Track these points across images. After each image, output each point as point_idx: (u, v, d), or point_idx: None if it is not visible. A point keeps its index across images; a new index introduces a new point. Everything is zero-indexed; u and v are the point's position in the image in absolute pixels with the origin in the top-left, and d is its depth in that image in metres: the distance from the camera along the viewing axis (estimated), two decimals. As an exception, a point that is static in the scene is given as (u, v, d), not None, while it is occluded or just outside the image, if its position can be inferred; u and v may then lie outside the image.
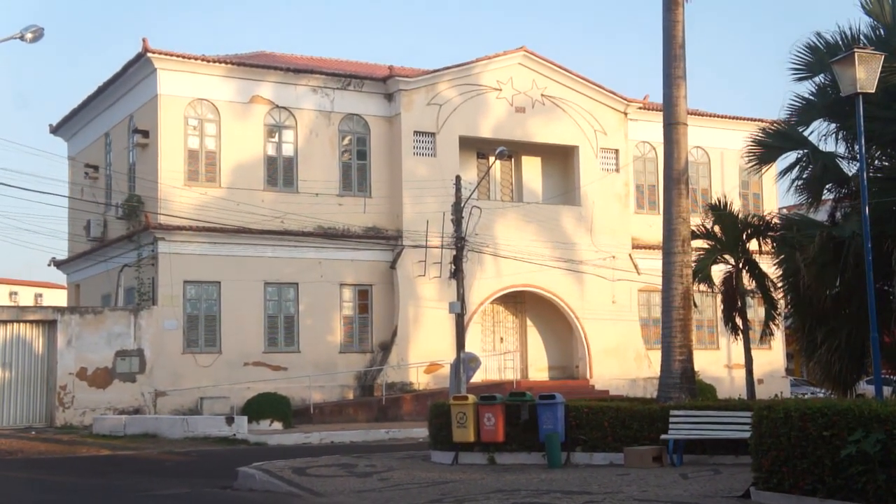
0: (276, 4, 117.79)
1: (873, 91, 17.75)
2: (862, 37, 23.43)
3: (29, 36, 23.70)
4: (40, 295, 66.00)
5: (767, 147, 26.14)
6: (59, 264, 45.16)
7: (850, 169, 23.58)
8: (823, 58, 23.06)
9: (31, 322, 34.90)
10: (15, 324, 34.47)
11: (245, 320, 36.57)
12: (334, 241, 38.14)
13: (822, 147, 25.11)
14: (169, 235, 35.49)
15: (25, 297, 67.36)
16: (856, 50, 17.98)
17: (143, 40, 36.09)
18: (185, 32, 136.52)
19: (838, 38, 23.62)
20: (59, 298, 52.63)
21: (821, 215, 25.44)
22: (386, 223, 39.00)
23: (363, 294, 38.98)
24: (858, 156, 19.79)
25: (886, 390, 20.46)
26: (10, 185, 32.21)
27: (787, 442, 13.42)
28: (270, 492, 18.19)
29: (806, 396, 28.81)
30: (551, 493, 15.15)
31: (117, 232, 38.58)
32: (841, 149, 24.67)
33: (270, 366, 36.52)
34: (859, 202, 18.23)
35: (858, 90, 17.35)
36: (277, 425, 32.82)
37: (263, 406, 33.57)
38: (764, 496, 13.68)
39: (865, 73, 17.33)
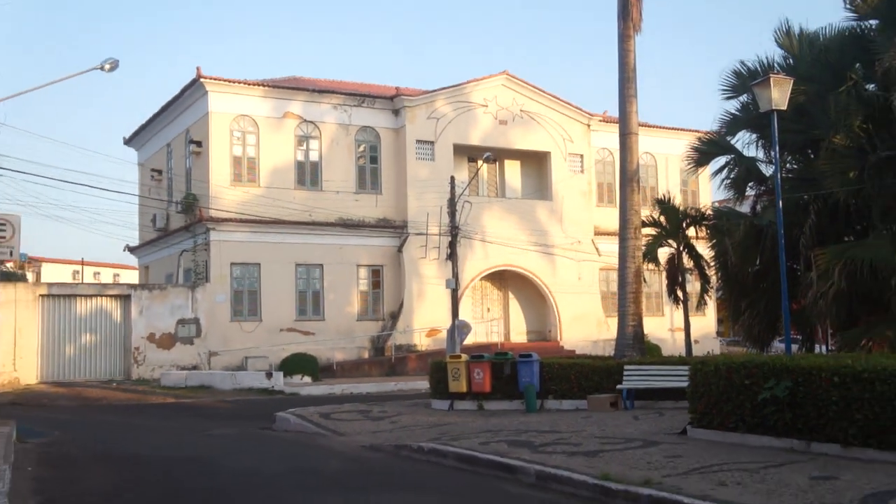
0: (304, 36, 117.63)
1: (785, 108, 17.97)
2: (776, 64, 23.59)
3: (107, 66, 23.76)
4: (118, 275, 66.00)
5: (702, 153, 26.33)
6: (132, 250, 45.17)
7: (767, 171, 23.71)
8: (746, 81, 23.23)
9: (111, 296, 35.44)
10: (98, 297, 35.02)
11: (280, 294, 36.67)
12: (352, 230, 38.21)
13: (745, 153, 25.30)
14: (218, 226, 35.59)
15: (105, 276, 67.44)
16: (771, 75, 18.18)
17: (197, 68, 36.16)
18: (230, 58, 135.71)
19: (757, 66, 23.78)
20: (132, 277, 52.65)
21: (744, 208, 25.62)
22: (394, 215, 39.04)
23: (376, 273, 39.03)
24: (773, 160, 19.97)
25: (794, 347, 20.68)
26: (92, 187, 32.72)
27: (716, 389, 13.66)
28: (302, 432, 18.37)
29: (732, 352, 29.12)
30: (529, 433, 15.24)
31: (177, 224, 38.67)
32: (760, 154, 24.88)
33: (301, 331, 36.64)
34: (774, 197, 18.44)
35: (773, 108, 17.56)
36: (307, 379, 33.02)
37: (296, 364, 33.79)
38: (698, 433, 13.90)
39: (779, 94, 17.54)
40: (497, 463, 12.07)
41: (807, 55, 23.45)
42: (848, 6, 23.54)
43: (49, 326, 33.06)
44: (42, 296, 33.44)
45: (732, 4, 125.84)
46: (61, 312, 33.49)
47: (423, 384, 26.72)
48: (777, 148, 18.83)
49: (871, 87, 22.18)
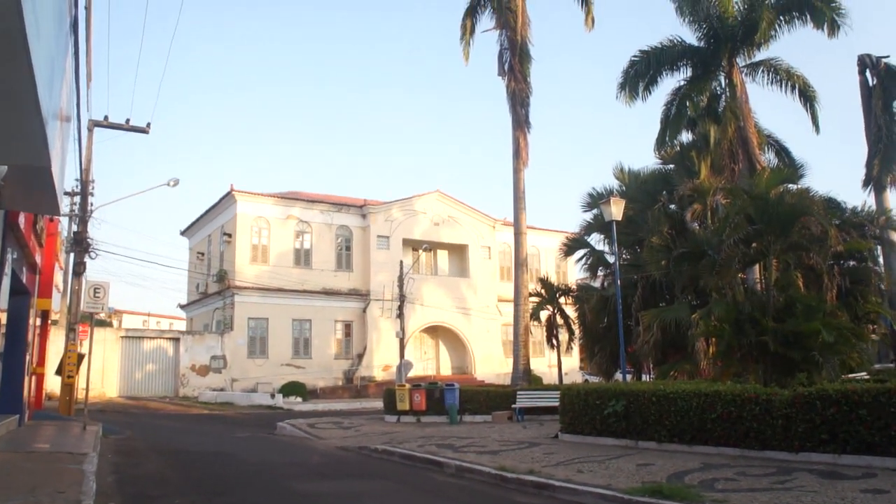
0: (302, 156, 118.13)
1: (620, 219, 18.49)
2: (614, 190, 24.39)
3: (171, 183, 23.79)
4: (172, 323, 65.26)
5: (569, 247, 26.92)
6: (182, 307, 44.33)
7: (610, 259, 24.24)
8: (596, 200, 23.97)
9: (167, 338, 35.81)
10: (158, 339, 35.64)
11: (281, 340, 36.25)
12: (332, 296, 38.04)
13: (597, 248, 25.93)
14: (240, 292, 35.25)
15: (164, 324, 66.92)
16: (611, 198, 18.73)
17: (231, 185, 36.42)
18: (249, 173, 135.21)
19: (603, 191, 24.56)
20: (181, 326, 52.03)
21: (597, 284, 26.12)
22: (361, 286, 38.95)
23: (348, 326, 38.76)
24: (614, 253, 20.52)
25: (629, 377, 20.97)
26: (159, 263, 33.27)
27: (577, 407, 13.86)
28: (295, 436, 18.10)
29: (589, 381, 29.42)
30: (451, 438, 15.21)
31: (213, 290, 38.13)
32: (606, 249, 25.47)
33: (295, 366, 36.15)
34: (615, 277, 18.89)
35: (613, 219, 18.09)
36: (299, 399, 32.53)
37: (291, 388, 33.34)
38: (566, 437, 14.03)
39: (616, 210, 18.06)
40: (429, 460, 12.06)
41: (633, 184, 24.34)
42: (657, 155, 24.60)
43: (125, 358, 33.33)
44: (122, 337, 34.11)
45: (591, 152, 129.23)
46: (134, 348, 33.79)
47: (379, 404, 26.48)
48: (616, 245, 19.39)
49: (672, 206, 23.02)
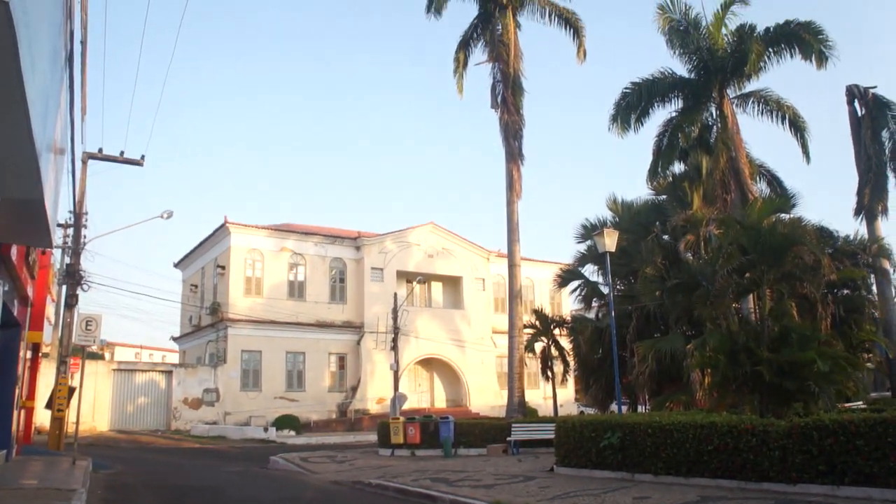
0: (296, 188, 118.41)
1: (614, 250, 18.59)
2: (608, 221, 24.47)
3: (165, 215, 23.77)
4: (164, 356, 64.98)
5: (563, 279, 26.98)
6: (175, 339, 44.09)
7: (605, 291, 24.33)
8: (590, 232, 24.04)
9: (159, 371, 35.42)
10: (150, 372, 35.19)
11: (275, 373, 35.99)
12: (325, 328, 37.88)
13: (591, 279, 25.96)
14: (233, 325, 35.05)
15: (156, 356, 66.62)
16: (605, 229, 18.86)
17: (225, 216, 36.34)
18: (243, 205, 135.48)
19: (596, 222, 24.65)
20: (174, 358, 51.71)
21: (591, 315, 26.10)
22: (355, 319, 38.83)
23: (341, 359, 38.54)
24: (608, 284, 20.54)
25: (624, 408, 20.89)
26: (155, 297, 32.65)
27: (573, 439, 13.75)
28: (288, 470, 17.91)
29: (585, 412, 29.23)
30: (446, 472, 15.08)
31: (206, 322, 37.93)
32: (600, 280, 25.50)
33: (288, 399, 35.85)
34: (609, 308, 18.91)
35: (606, 250, 18.16)
36: (292, 433, 32.16)
37: (284, 422, 32.96)
38: (562, 470, 13.92)
39: (610, 241, 18.15)
40: (423, 494, 11.93)
41: (627, 215, 24.44)
42: (650, 186, 24.73)
43: (117, 391, 33.02)
44: (114, 370, 33.78)
45: (584, 182, 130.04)
46: (126, 381, 33.48)
47: (373, 437, 26.22)
48: (610, 276, 19.40)
49: (665, 237, 23.12)
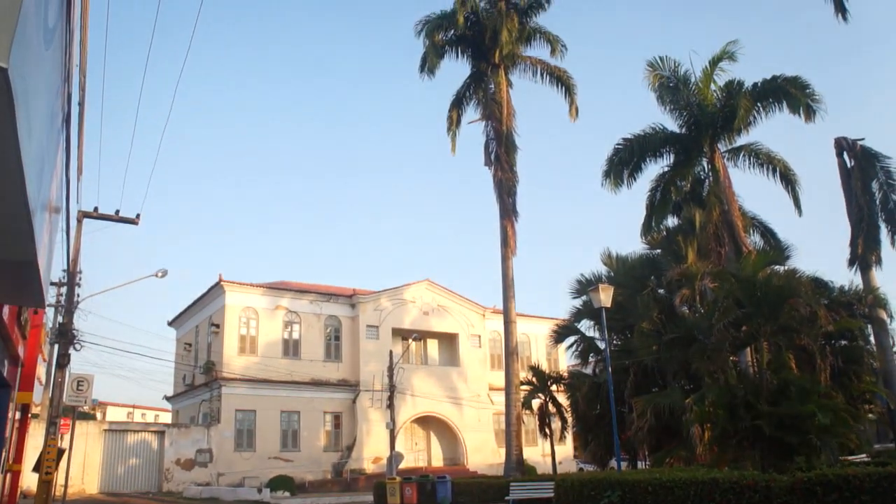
0: (292, 246, 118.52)
1: (610, 306, 18.56)
2: (603, 276, 24.47)
3: (160, 274, 23.80)
4: (157, 415, 64.32)
5: (559, 334, 26.88)
6: (168, 398, 43.51)
7: (601, 346, 24.22)
8: (585, 287, 24.05)
9: (151, 432, 34.90)
10: (142, 432, 34.64)
11: (269, 432, 35.45)
12: (320, 387, 37.49)
13: (587, 334, 25.87)
14: (228, 384, 34.69)
15: (149, 416, 65.93)
16: (600, 285, 18.85)
17: (220, 275, 36.29)
18: (237, 262, 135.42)
19: (591, 277, 24.66)
20: (167, 418, 51.15)
21: (588, 370, 25.95)
22: (350, 377, 38.46)
23: (337, 417, 38.05)
24: (604, 340, 20.48)
25: (624, 465, 20.61)
26: (148, 356, 32.10)
27: (573, 498, 13.56)
28: (282, 534, 17.62)
29: (584, 470, 28.78)
30: (443, 531, 14.86)
31: (200, 381, 37.48)
32: (596, 335, 25.38)
33: (283, 459, 35.24)
34: (606, 364, 18.80)
35: (602, 305, 18.15)
36: (287, 494, 31.49)
37: (279, 483, 32.29)
38: (560, 529, 13.72)
39: (605, 296, 18.14)
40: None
41: (621, 270, 24.49)
42: (644, 241, 24.89)
43: (108, 452, 32.50)
44: (105, 430, 33.27)
45: (579, 235, 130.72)
46: (117, 442, 32.97)
47: (369, 498, 25.81)
48: (606, 331, 19.38)
49: (661, 291, 23.14)
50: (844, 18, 18.52)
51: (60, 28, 4.75)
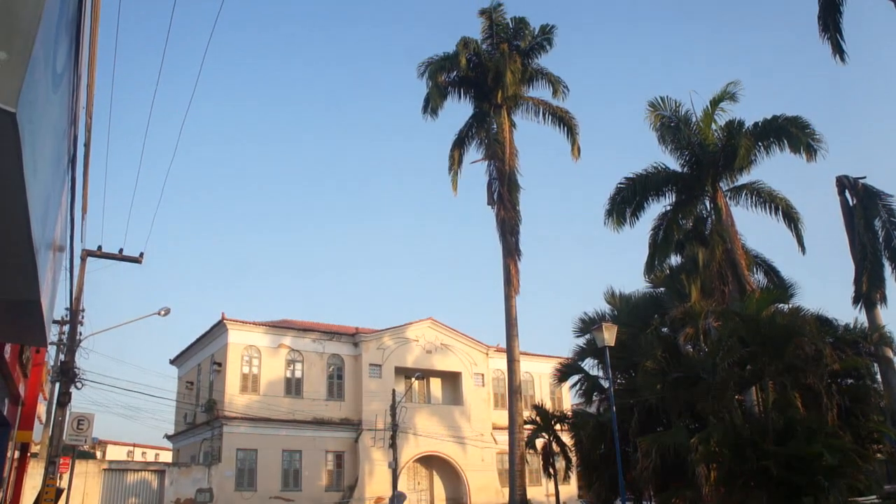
0: (292, 288, 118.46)
1: (613, 345, 18.47)
2: (606, 315, 24.34)
3: (162, 312, 23.82)
4: (158, 454, 63.84)
5: (563, 373, 26.61)
6: (169, 437, 43.23)
7: (605, 384, 24.02)
8: (588, 325, 23.87)
9: (152, 471, 34.63)
10: (143, 472, 34.40)
11: (270, 471, 35.09)
12: (323, 426, 37.20)
13: (591, 373, 25.60)
14: (229, 423, 34.47)
15: (150, 455, 65.40)
16: (603, 323, 18.78)
17: (222, 313, 36.35)
18: (240, 301, 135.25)
19: (595, 315, 24.52)
20: (168, 457, 50.77)
21: (592, 409, 25.65)
22: (352, 416, 38.17)
23: (339, 456, 37.68)
24: (608, 378, 20.33)
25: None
26: (150, 395, 31.97)
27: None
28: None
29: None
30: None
31: (201, 420, 37.28)
32: (600, 374, 25.13)
33: (284, 499, 34.81)
34: (610, 403, 18.63)
35: (606, 344, 18.06)
36: (287, 537, 31.23)
37: (279, 525, 32.06)
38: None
39: (609, 335, 18.07)
40: None
41: (625, 309, 24.37)
42: (647, 279, 24.85)
43: (107, 491, 32.24)
44: (105, 469, 33.09)
45: (582, 274, 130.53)
46: (117, 481, 32.75)
47: (371, 539, 25.47)
48: (610, 370, 19.21)
49: (665, 330, 23.03)
50: (842, 59, 18.71)
51: (69, 73, 4.84)
